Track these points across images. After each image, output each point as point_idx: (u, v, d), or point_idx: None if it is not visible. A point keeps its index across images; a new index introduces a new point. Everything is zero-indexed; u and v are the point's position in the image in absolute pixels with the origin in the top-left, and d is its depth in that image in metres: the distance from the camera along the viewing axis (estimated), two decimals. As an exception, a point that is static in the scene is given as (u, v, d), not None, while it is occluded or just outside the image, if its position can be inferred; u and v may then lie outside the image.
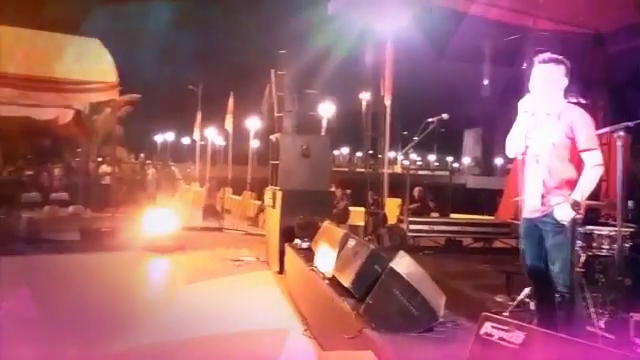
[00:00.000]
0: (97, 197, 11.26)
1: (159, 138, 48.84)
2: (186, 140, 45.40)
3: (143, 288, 7.47)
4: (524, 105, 3.63)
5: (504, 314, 4.58)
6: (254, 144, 24.47)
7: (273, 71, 13.26)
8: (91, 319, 5.41)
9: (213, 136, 27.96)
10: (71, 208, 9.87)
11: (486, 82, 11.61)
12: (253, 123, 22.92)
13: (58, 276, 7.37)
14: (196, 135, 26.01)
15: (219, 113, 22.99)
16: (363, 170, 11.71)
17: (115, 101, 11.28)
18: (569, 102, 3.66)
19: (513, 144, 3.71)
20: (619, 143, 3.21)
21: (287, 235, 7.33)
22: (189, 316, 5.63)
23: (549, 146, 3.50)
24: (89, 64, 10.04)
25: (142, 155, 19.24)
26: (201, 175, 24.43)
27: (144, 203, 12.09)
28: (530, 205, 3.59)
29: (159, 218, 9.55)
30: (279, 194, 7.82)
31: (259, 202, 14.22)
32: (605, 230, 4.61)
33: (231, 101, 20.84)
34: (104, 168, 14.97)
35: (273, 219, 8.08)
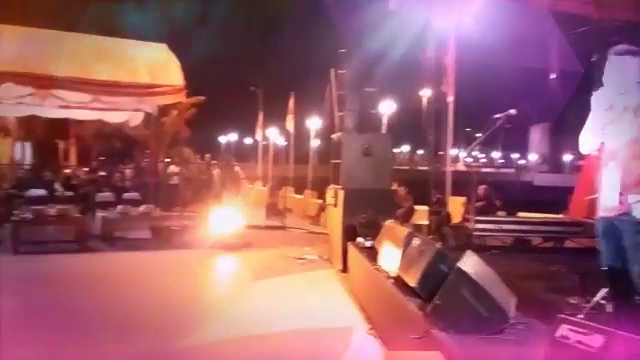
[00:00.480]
0: (166, 196, 11.67)
1: (223, 139, 50.00)
2: (248, 140, 46.28)
3: (211, 285, 7.71)
4: (598, 99, 3.49)
5: (579, 316, 4.41)
6: (314, 143, 24.64)
7: (333, 70, 13.31)
8: (162, 314, 5.63)
9: (275, 136, 28.37)
10: (142, 207, 10.26)
11: (553, 76, 11.18)
12: (313, 123, 23.09)
13: (131, 272, 7.70)
14: (258, 135, 26.46)
15: (280, 113, 23.32)
16: (424, 168, 11.53)
17: (182, 103, 11.65)
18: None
19: (587, 140, 3.57)
20: None
21: (349, 234, 7.33)
22: (255, 313, 5.75)
23: (626, 142, 3.34)
24: (157, 68, 10.44)
25: (207, 155, 19.73)
26: (263, 174, 24.83)
27: (210, 202, 12.42)
28: (607, 204, 3.44)
29: (225, 217, 9.79)
30: (341, 193, 7.85)
31: (320, 201, 14.31)
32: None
33: (292, 101, 21.06)
34: (172, 168, 15.49)
35: (335, 218, 8.11)
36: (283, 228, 12.75)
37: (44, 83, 9.52)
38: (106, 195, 11.89)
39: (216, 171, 17.15)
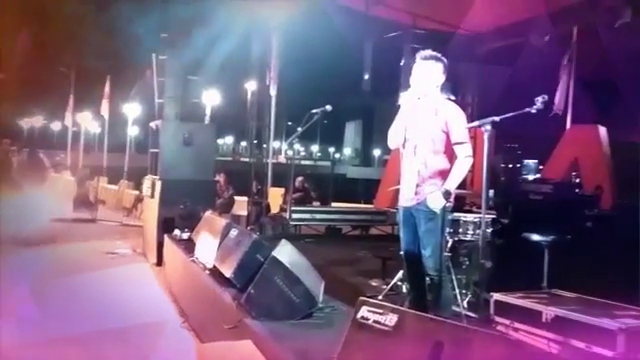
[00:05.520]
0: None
1: (26, 123, 44.91)
2: (56, 126, 42.30)
3: (5, 284, 6.85)
4: (405, 99, 3.80)
5: (379, 298, 4.78)
6: (132, 131, 23.37)
7: (154, 55, 12.67)
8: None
9: (87, 122, 26.31)
10: None
11: (367, 77, 11.99)
12: (132, 109, 21.85)
13: None
14: (68, 120, 24.31)
15: (94, 98, 21.69)
16: (247, 160, 11.64)
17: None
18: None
19: (394, 136, 3.87)
20: (486, 136, 3.43)
21: (166, 226, 7.12)
22: (59, 313, 5.28)
23: (426, 139, 3.69)
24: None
25: (7, 141, 17.50)
26: (73, 163, 22.89)
27: (8, 193, 11.07)
28: (406, 194, 3.77)
29: (24, 209, 8.86)
30: (159, 183, 7.57)
31: (137, 192, 13.63)
32: (470, 217, 4.98)
33: (107, 85, 19.75)
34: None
35: (151, 209, 7.81)
36: (93, 221, 11.90)
37: None
38: None
39: (16, 158, 15.37)
